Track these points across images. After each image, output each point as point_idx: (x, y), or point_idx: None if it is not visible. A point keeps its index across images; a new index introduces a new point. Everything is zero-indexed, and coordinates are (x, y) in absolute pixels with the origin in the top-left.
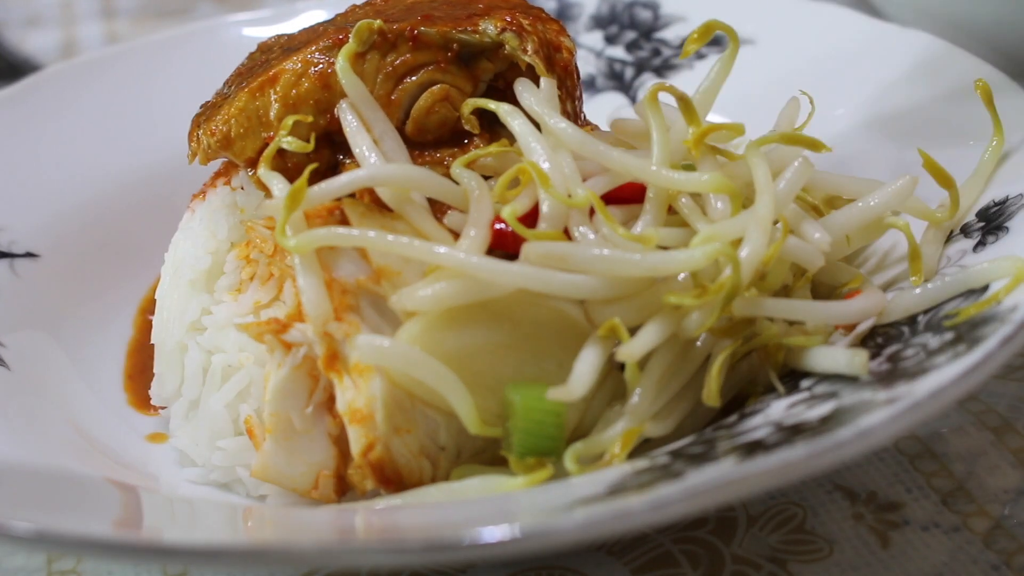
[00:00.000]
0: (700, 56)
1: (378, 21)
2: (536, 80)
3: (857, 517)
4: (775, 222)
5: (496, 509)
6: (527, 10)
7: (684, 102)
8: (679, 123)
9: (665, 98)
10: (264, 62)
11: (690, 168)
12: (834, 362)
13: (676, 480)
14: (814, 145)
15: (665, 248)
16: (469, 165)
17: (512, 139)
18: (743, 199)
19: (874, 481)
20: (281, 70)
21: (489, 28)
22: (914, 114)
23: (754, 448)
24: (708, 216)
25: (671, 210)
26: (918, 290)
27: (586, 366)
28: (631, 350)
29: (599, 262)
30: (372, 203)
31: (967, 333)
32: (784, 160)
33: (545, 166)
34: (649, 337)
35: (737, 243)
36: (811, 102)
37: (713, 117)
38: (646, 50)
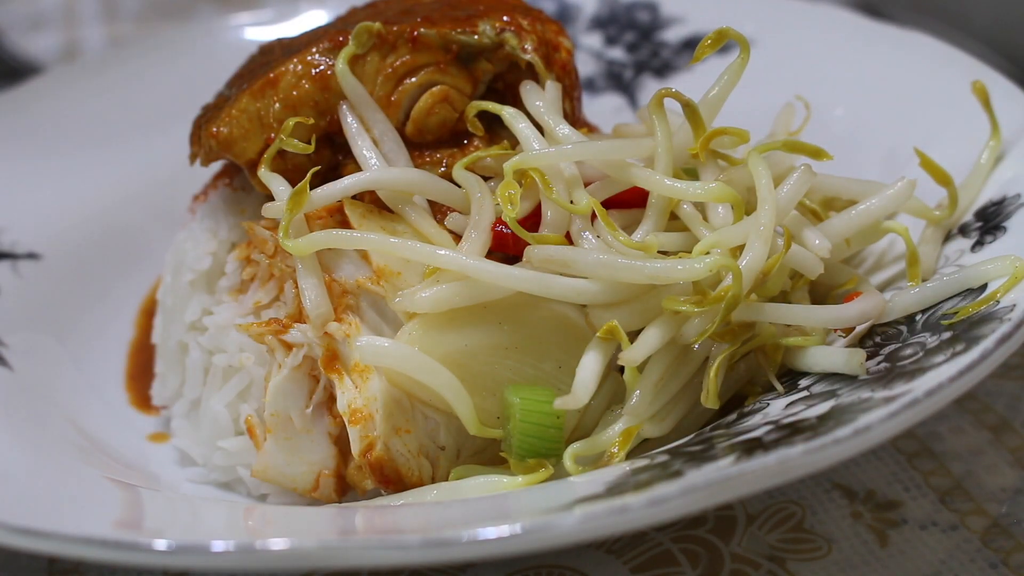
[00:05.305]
0: None
1: (377, 23)
2: (535, 80)
3: (856, 516)
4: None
5: (495, 508)
6: (526, 11)
7: (690, 108)
8: (682, 126)
9: (670, 104)
10: (264, 64)
11: (692, 172)
12: (832, 361)
13: (675, 478)
14: (816, 153)
15: (666, 253)
16: (470, 167)
17: (512, 140)
18: (744, 204)
19: (872, 480)
20: (281, 72)
21: (488, 29)
22: (913, 115)
23: (752, 446)
24: (710, 222)
25: (673, 215)
26: (916, 289)
27: (588, 372)
28: (632, 355)
29: (601, 268)
30: (372, 203)
31: (965, 332)
32: (784, 164)
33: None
34: (650, 342)
35: (738, 251)
36: (807, 106)
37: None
38: (645, 51)
